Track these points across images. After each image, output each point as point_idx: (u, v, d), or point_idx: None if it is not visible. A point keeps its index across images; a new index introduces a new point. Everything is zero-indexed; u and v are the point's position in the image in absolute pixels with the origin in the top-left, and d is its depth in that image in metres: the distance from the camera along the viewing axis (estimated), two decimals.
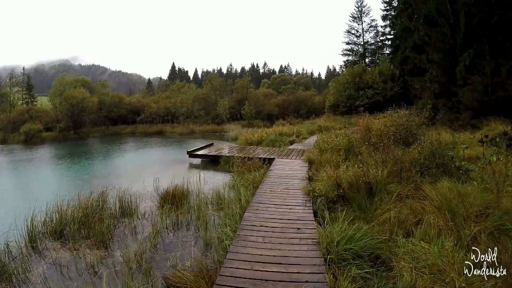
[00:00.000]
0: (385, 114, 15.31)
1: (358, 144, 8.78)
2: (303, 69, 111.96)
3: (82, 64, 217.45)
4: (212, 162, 11.53)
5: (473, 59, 18.34)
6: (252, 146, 13.59)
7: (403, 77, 27.00)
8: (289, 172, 8.10)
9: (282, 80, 65.08)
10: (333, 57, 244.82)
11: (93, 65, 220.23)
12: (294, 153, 11.28)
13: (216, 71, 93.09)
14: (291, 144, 14.44)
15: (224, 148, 13.06)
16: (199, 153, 12.06)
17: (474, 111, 17.03)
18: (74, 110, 30.68)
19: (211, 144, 14.38)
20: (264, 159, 10.04)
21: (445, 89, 20.47)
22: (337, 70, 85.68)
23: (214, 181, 8.67)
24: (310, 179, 7.36)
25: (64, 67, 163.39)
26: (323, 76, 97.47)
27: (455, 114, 17.98)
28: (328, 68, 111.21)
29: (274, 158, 10.13)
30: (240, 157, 9.69)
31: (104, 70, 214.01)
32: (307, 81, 71.49)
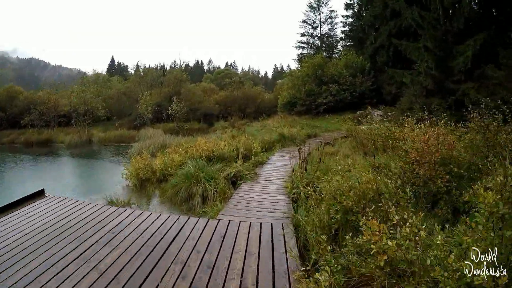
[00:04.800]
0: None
1: None
2: (249, 67, 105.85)
3: (21, 57, 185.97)
4: None
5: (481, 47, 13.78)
6: (125, 211, 5.14)
7: (374, 71, 21.91)
8: None
9: (227, 74, 57.49)
10: (280, 56, 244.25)
11: (32, 58, 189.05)
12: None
13: (159, 67, 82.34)
14: (235, 187, 6.68)
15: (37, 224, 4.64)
16: None
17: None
18: None
19: (35, 196, 6.02)
20: None
21: (440, 86, 15.56)
22: (285, 68, 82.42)
23: None
24: None
25: (1, 60, 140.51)
26: (269, 75, 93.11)
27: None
28: (275, 66, 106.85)
29: None
30: None
31: (45, 64, 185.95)
32: (254, 76, 65.32)
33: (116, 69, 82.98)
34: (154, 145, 11.95)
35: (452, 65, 14.83)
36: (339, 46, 33.35)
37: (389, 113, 20.47)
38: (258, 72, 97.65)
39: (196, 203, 5.76)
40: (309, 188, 4.13)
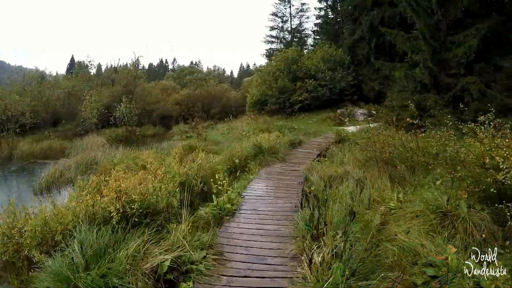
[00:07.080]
0: None
1: None
2: (215, 66, 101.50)
3: None
4: None
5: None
6: None
7: (354, 65, 19.77)
8: None
9: (191, 73, 53.27)
10: (245, 54, 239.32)
11: None
12: None
13: (121, 66, 73.88)
14: None
15: None
16: None
17: None
18: None
19: None
20: None
21: (436, 80, 13.66)
22: (251, 67, 79.49)
23: None
24: None
25: None
26: (235, 75, 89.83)
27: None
28: (241, 65, 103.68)
29: None
30: None
31: (5, 65, 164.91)
32: (220, 75, 61.79)
33: (76, 69, 74.42)
34: (78, 165, 8.12)
35: (448, 57, 12.88)
36: (310, 41, 31.79)
37: (373, 111, 18.48)
38: (224, 70, 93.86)
39: None
40: None
